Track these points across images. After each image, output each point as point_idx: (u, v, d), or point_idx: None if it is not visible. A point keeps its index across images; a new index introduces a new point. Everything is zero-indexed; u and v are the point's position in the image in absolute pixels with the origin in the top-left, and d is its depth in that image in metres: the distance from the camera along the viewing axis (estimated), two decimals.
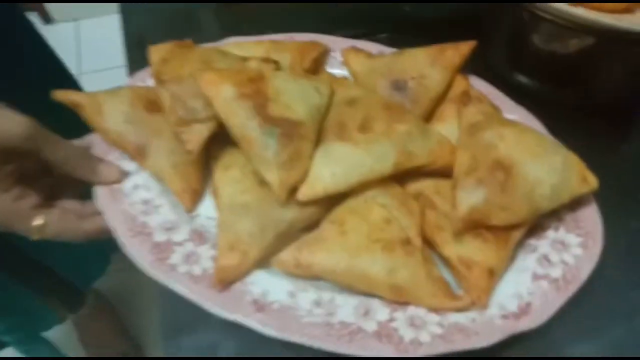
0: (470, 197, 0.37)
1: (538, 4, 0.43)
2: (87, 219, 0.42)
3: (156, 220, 0.41)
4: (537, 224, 0.40)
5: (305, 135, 0.40)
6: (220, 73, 0.41)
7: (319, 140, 0.42)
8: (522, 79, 0.54)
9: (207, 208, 0.44)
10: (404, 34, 0.61)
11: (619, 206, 0.46)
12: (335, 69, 0.53)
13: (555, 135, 0.46)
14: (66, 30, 1.91)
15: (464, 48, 0.47)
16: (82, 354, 1.10)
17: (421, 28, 0.62)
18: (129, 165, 0.44)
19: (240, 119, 0.40)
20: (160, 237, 0.40)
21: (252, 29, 0.62)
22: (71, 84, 0.82)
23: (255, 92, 0.40)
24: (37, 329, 0.97)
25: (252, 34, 0.55)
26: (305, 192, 0.39)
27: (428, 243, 0.40)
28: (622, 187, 0.49)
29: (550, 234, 0.40)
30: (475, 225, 0.37)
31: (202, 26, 0.64)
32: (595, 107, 0.53)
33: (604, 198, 0.41)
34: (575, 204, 0.40)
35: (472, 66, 0.50)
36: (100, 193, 0.42)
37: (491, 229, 0.37)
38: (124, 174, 0.43)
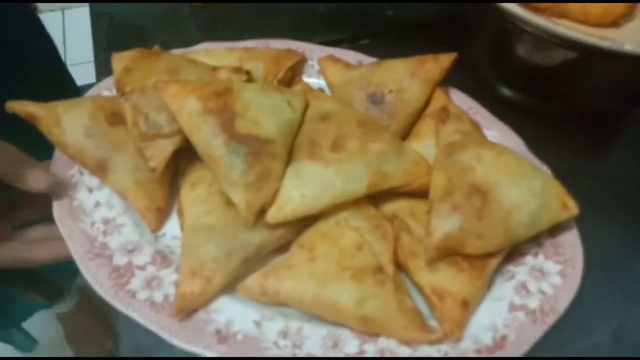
0: (444, 224, 0.35)
1: (521, 17, 0.41)
2: (6, 246, 0.39)
3: (117, 241, 0.39)
4: (515, 249, 0.39)
5: (275, 154, 0.38)
6: (184, 85, 0.39)
7: (290, 157, 0.40)
8: (506, 89, 0.52)
9: (173, 227, 0.42)
10: (387, 39, 0.59)
11: (601, 218, 0.45)
12: (313, 79, 0.51)
13: (537, 146, 0.44)
14: (52, 20, 1.87)
15: (445, 60, 0.45)
16: (66, 349, 1.08)
17: (404, 33, 0.60)
18: (91, 180, 0.42)
19: (205, 136, 0.38)
20: (120, 259, 0.38)
21: (228, 30, 0.60)
22: (65, 75, 0.78)
23: (222, 106, 0.38)
24: (13, 317, 0.94)
25: (228, 36, 0.53)
26: (273, 215, 0.37)
27: (402, 268, 0.38)
28: (605, 199, 0.47)
29: (529, 260, 0.38)
30: (449, 253, 0.35)
31: (177, 26, 0.61)
32: (578, 119, 0.52)
33: (585, 210, 0.40)
34: (555, 228, 0.39)
35: (455, 74, 0.48)
36: (58, 210, 0.40)
37: (467, 256, 0.36)
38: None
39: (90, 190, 0.42)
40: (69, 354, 1.07)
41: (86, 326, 1.05)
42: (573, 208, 0.37)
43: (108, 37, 0.59)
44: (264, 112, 0.39)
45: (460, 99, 0.47)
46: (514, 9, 0.41)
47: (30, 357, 1.03)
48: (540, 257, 0.38)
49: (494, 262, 0.36)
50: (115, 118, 0.42)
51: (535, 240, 0.39)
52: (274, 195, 0.38)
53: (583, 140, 0.52)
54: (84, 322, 1.05)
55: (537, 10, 0.43)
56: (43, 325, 1.07)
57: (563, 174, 0.41)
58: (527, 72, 0.48)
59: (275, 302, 0.36)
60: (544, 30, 0.40)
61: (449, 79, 0.48)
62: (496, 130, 0.45)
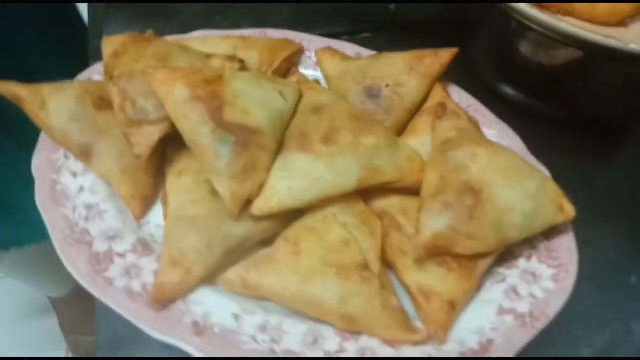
0: (434, 223, 0.34)
1: (524, 13, 0.39)
2: None
3: (99, 227, 0.38)
4: (508, 251, 0.37)
5: (263, 145, 0.37)
6: (173, 72, 0.38)
7: (279, 149, 0.39)
8: (508, 88, 0.51)
9: (158, 215, 0.41)
10: (388, 34, 0.58)
11: (600, 225, 0.44)
12: (310, 70, 0.50)
13: (538, 149, 0.43)
14: None
15: (445, 56, 0.44)
16: (59, 338, 1.07)
17: (406, 29, 0.59)
18: (76, 165, 0.41)
19: (192, 124, 0.37)
20: (100, 246, 0.37)
21: (226, 21, 0.59)
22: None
23: (211, 94, 0.37)
24: None
25: (226, 27, 0.51)
26: (259, 207, 0.36)
27: (389, 266, 0.37)
28: (605, 206, 0.46)
29: (522, 263, 0.37)
30: (438, 253, 0.34)
31: (175, 17, 0.60)
32: (582, 123, 0.50)
33: (584, 216, 0.38)
34: (551, 232, 0.37)
35: (457, 71, 0.46)
36: (41, 193, 0.39)
37: (456, 257, 0.34)
38: None
39: (74, 175, 0.41)
40: (62, 343, 1.07)
41: (81, 314, 1.04)
42: (570, 211, 0.36)
43: (103, 22, 0.58)
44: (255, 101, 0.38)
45: (460, 96, 0.46)
46: (518, 5, 0.39)
47: (31, 357, 1.02)
48: (534, 260, 0.37)
49: (484, 264, 0.35)
50: (102, 103, 0.41)
51: (529, 243, 0.37)
52: (261, 186, 0.37)
53: (586, 145, 0.51)
54: (78, 310, 1.04)
55: (542, 8, 0.42)
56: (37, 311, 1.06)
57: (564, 179, 0.40)
58: (531, 72, 0.47)
59: (257, 295, 0.35)
60: (547, 27, 0.39)
61: (450, 76, 0.47)
62: (495, 129, 0.44)
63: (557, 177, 0.40)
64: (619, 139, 0.54)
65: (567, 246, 0.37)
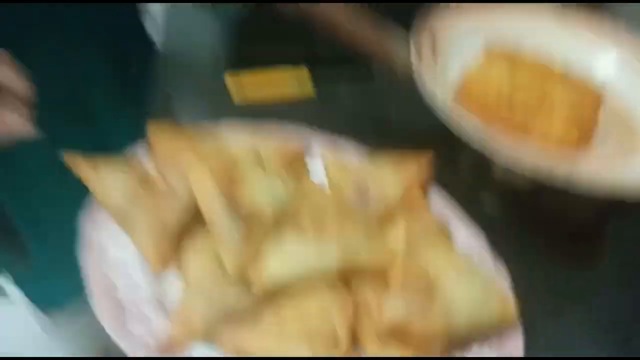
0: (395, 306, 0.41)
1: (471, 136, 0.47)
2: None
3: (125, 281, 0.47)
4: (464, 339, 0.43)
5: (264, 226, 0.46)
6: (202, 160, 0.48)
7: (277, 232, 0.47)
8: (486, 196, 0.58)
9: (173, 277, 0.49)
10: (387, 143, 0.67)
11: (559, 332, 0.49)
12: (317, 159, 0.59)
13: (507, 262, 0.49)
14: None
15: (423, 161, 0.53)
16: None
17: (405, 140, 0.68)
18: (114, 226, 0.50)
19: (211, 204, 0.46)
20: (124, 297, 0.45)
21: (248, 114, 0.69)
22: None
23: (229, 182, 0.47)
24: None
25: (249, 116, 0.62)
26: (254, 279, 0.44)
27: (356, 341, 0.43)
28: (569, 313, 0.51)
29: (475, 349, 0.43)
30: (396, 332, 0.41)
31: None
32: (552, 236, 0.56)
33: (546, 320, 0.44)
34: (502, 326, 0.43)
35: (444, 174, 0.54)
36: (82, 247, 0.48)
37: (413, 340, 0.41)
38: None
39: (112, 235, 0.50)
40: None
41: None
42: (511, 313, 0.42)
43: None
44: (262, 190, 0.47)
45: (438, 198, 0.54)
46: (472, 129, 0.47)
47: (34, 357, 1.06)
48: (485, 348, 0.43)
49: (437, 347, 0.41)
50: (143, 178, 0.51)
51: (484, 332, 0.43)
52: (258, 261, 0.45)
53: (556, 259, 0.56)
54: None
55: (506, 126, 0.49)
56: None
57: (530, 287, 0.46)
58: (502, 192, 0.54)
59: (238, 352, 0.42)
60: (510, 157, 0.46)
61: (437, 176, 0.55)
62: (463, 231, 0.51)
63: (520, 285, 0.46)
64: (587, 253, 0.59)
65: (514, 339, 0.43)
